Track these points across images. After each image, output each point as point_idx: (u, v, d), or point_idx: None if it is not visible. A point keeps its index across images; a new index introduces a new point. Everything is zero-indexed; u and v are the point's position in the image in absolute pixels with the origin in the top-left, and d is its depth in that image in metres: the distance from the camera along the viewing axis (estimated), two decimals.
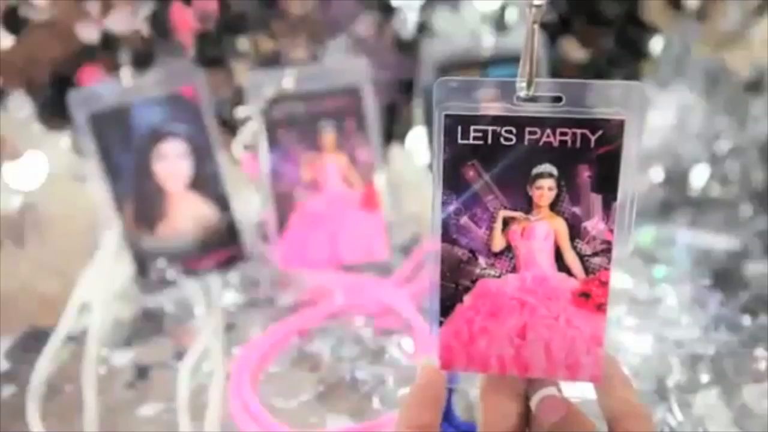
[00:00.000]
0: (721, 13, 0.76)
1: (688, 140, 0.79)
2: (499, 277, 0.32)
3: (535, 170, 0.30)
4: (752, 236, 0.70)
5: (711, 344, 0.54)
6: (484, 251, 0.31)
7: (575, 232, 0.31)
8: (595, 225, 0.30)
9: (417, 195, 0.72)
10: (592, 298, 0.31)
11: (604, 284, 0.31)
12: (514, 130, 0.30)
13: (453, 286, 0.32)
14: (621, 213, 0.30)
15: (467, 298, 0.32)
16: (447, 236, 0.31)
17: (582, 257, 0.31)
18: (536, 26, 0.29)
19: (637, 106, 0.29)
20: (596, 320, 0.31)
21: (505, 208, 0.31)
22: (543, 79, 0.30)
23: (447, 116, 0.30)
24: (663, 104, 0.78)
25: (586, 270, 0.31)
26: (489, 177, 0.30)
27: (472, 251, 0.31)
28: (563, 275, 0.31)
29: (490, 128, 0.30)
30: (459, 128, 0.30)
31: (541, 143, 0.30)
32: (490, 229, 0.31)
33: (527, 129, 0.29)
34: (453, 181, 0.31)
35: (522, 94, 0.30)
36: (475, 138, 0.30)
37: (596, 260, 0.31)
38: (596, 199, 0.30)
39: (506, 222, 0.31)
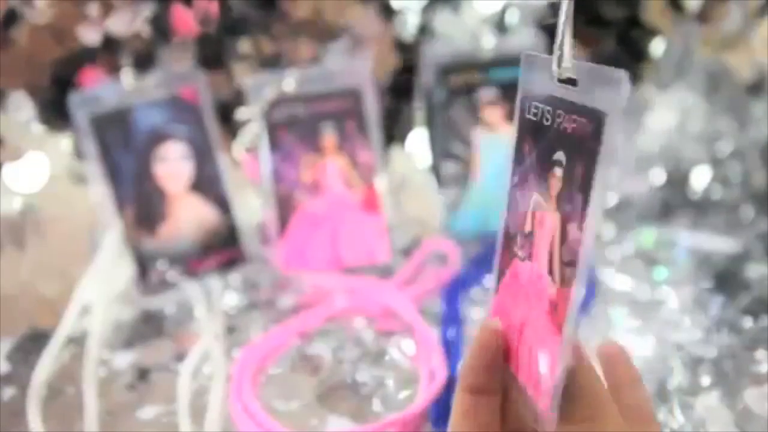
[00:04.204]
0: (722, 15, 0.76)
1: (688, 142, 0.79)
2: (523, 260, 0.29)
3: (554, 156, 0.27)
4: (753, 238, 0.70)
5: (712, 346, 0.54)
6: (520, 230, 0.29)
7: (563, 233, 0.26)
8: (573, 230, 0.26)
9: (418, 197, 0.72)
10: (557, 314, 0.26)
11: (569, 301, 0.26)
12: (550, 110, 0.27)
13: (506, 257, 0.31)
14: (593, 221, 0.25)
15: (506, 275, 0.31)
16: (509, 206, 0.30)
17: (561, 263, 0.27)
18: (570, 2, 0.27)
19: (618, 105, 0.24)
20: (553, 342, 0.26)
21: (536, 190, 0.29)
22: (572, 60, 0.26)
23: (522, 91, 0.29)
24: (664, 106, 0.78)
25: (562, 279, 0.26)
26: (534, 155, 0.29)
27: (515, 227, 0.30)
28: (549, 278, 0.27)
29: (541, 106, 0.28)
30: (526, 102, 0.29)
31: (560, 128, 0.27)
32: (527, 207, 0.29)
33: (557, 111, 0.27)
34: (517, 153, 0.30)
35: (555, 73, 0.27)
36: (533, 114, 0.29)
37: (568, 270, 0.26)
38: (578, 201, 0.25)
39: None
